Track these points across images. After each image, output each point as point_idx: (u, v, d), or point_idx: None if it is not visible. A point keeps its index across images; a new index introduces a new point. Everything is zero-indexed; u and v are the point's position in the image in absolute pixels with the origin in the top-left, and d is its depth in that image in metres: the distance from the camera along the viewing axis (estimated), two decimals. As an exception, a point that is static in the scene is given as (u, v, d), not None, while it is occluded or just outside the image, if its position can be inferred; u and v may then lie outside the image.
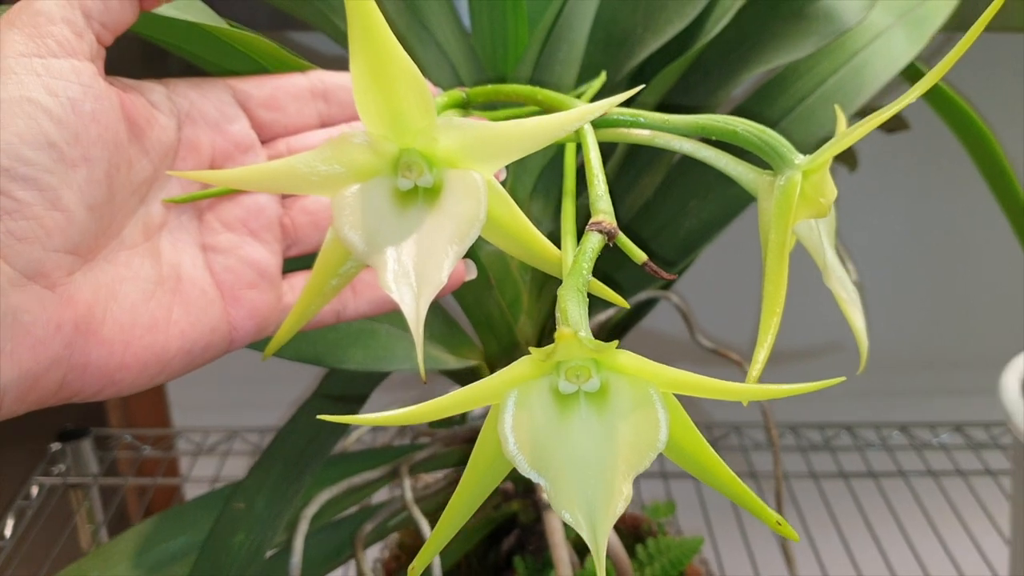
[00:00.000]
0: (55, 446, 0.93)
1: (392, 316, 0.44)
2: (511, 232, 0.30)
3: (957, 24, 0.57)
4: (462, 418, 0.49)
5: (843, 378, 0.25)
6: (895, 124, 0.78)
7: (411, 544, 0.64)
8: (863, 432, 1.01)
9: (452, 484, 0.55)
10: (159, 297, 0.31)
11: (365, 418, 0.24)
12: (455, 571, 0.59)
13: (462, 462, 0.57)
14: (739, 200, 0.53)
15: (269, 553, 0.46)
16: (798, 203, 0.30)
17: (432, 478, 0.59)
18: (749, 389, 0.25)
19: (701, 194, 0.53)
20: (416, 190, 0.29)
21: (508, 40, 0.48)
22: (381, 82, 0.27)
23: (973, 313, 1.07)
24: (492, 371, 0.53)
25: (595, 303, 0.55)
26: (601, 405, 0.26)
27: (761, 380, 0.67)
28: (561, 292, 0.26)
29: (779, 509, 0.63)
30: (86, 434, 0.94)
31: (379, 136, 0.28)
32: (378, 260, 0.28)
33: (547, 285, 0.52)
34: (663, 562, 0.58)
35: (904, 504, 0.91)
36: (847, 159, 0.78)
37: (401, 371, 0.45)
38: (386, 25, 0.26)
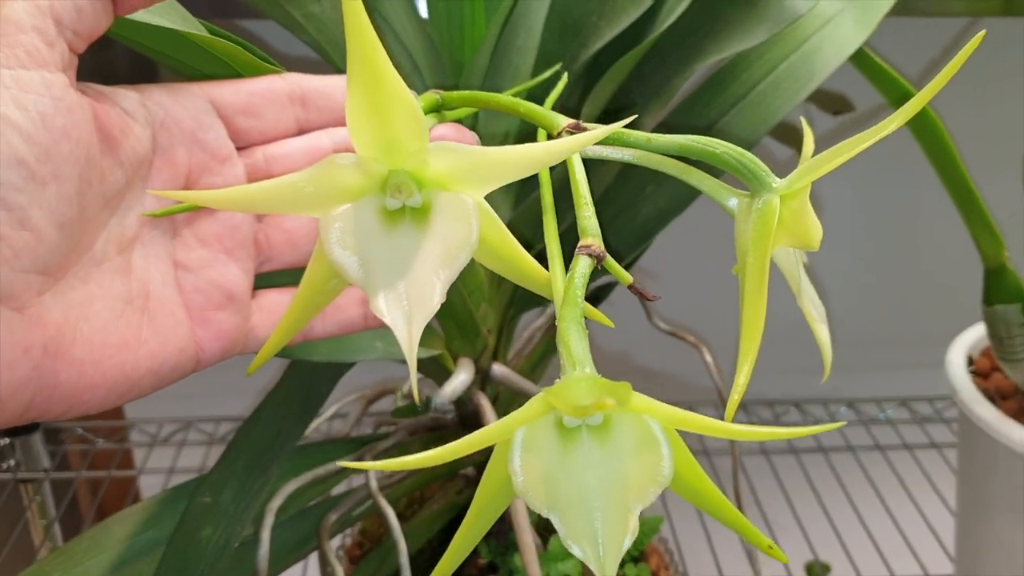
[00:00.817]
0: (3, 440, 0.91)
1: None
2: (500, 253, 0.30)
3: (901, 9, 0.58)
4: (425, 407, 0.49)
5: (842, 422, 0.26)
6: (841, 106, 0.79)
7: (374, 531, 0.64)
8: (811, 408, 1.04)
9: (415, 472, 0.55)
10: (128, 316, 0.31)
11: (381, 464, 0.24)
12: (418, 556, 0.59)
13: (425, 450, 0.57)
14: (695, 187, 0.53)
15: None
16: (777, 229, 0.30)
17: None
18: (750, 431, 0.25)
19: (658, 180, 0.54)
20: (404, 209, 0.28)
21: (464, 27, 0.48)
22: (377, 110, 0.26)
23: (917, 291, 1.09)
24: (454, 359, 0.53)
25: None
26: (604, 438, 0.26)
27: (721, 357, 0.68)
28: (561, 326, 0.26)
29: (736, 484, 0.65)
30: (36, 428, 0.92)
31: (369, 158, 0.28)
32: (368, 283, 0.27)
33: (507, 272, 0.53)
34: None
35: (853, 477, 0.93)
36: (795, 142, 0.79)
37: (365, 360, 0.45)
38: (385, 55, 0.26)
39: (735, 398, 0.29)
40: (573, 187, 0.30)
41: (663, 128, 0.54)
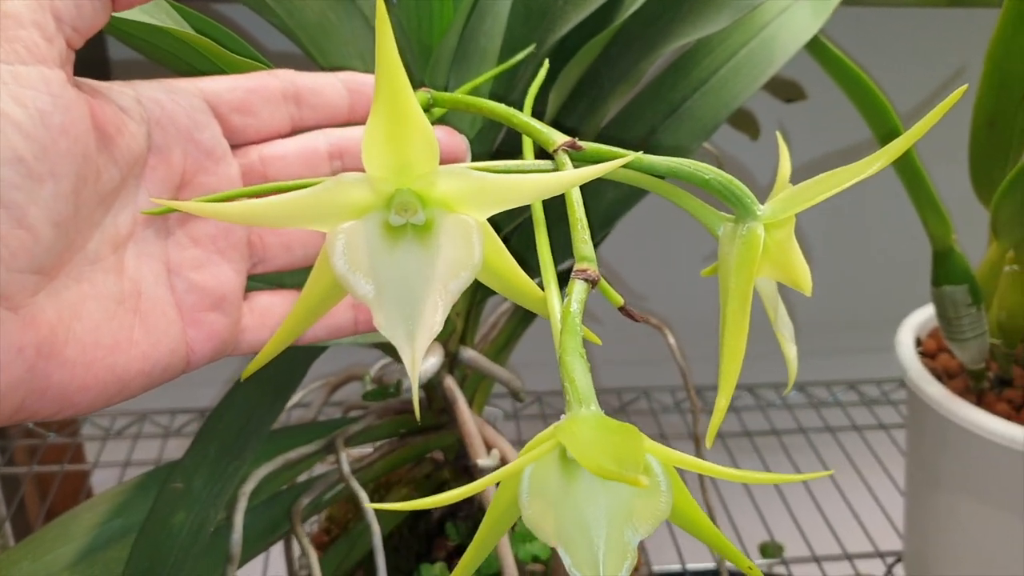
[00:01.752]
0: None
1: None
2: (499, 273, 0.31)
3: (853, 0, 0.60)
4: (396, 390, 0.49)
5: (830, 471, 0.27)
6: (793, 94, 0.81)
7: (340, 517, 0.64)
8: (764, 392, 1.06)
9: (386, 455, 0.55)
10: (121, 317, 0.30)
11: (416, 503, 0.25)
12: (387, 541, 0.60)
13: (395, 433, 0.57)
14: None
15: (204, 532, 0.45)
16: (761, 258, 0.31)
17: (359, 452, 0.59)
18: (747, 475, 0.26)
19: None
20: (406, 225, 0.29)
21: (433, 12, 0.49)
22: (396, 137, 0.27)
23: (864, 276, 1.12)
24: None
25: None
26: None
27: (691, 349, 0.69)
28: (564, 359, 0.27)
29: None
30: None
31: (378, 178, 0.28)
32: (372, 299, 0.27)
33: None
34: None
35: (805, 458, 0.96)
36: (749, 128, 0.81)
37: (339, 345, 0.45)
38: (410, 88, 0.26)
39: (716, 421, 0.30)
40: (569, 209, 0.30)
41: (628, 111, 0.55)
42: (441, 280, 0.28)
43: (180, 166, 0.32)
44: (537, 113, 0.37)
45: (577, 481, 0.26)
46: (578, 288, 0.28)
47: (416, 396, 0.26)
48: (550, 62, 0.53)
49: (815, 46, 0.60)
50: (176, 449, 0.94)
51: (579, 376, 0.26)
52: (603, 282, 0.30)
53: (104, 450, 0.95)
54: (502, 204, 0.28)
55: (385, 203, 0.29)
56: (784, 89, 0.78)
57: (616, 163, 0.29)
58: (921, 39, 0.95)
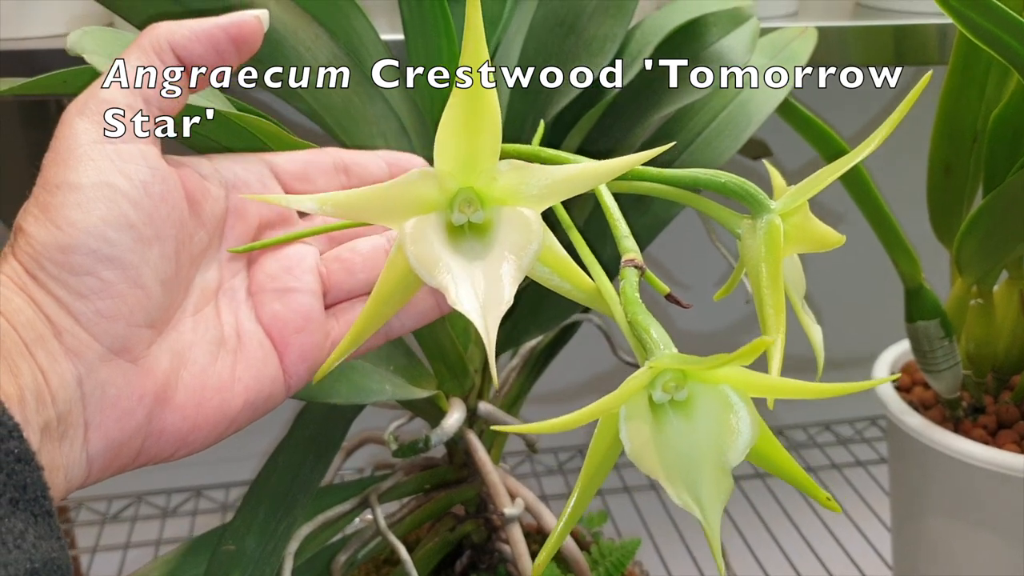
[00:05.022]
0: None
1: (367, 353, 0.47)
2: (552, 265, 0.34)
3: (811, 62, 0.65)
4: (425, 445, 0.52)
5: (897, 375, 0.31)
6: (761, 151, 0.86)
7: (364, 577, 0.66)
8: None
9: (413, 511, 0.57)
10: (223, 357, 0.34)
11: (534, 426, 0.28)
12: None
13: (420, 489, 0.60)
14: (665, 216, 0.58)
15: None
16: (785, 242, 0.35)
17: (386, 510, 0.61)
18: (819, 387, 0.29)
19: (634, 210, 0.58)
20: (464, 227, 0.32)
21: (445, 93, 0.52)
22: (470, 127, 0.30)
23: (833, 320, 1.17)
24: (446, 398, 0.56)
25: (527, 331, 0.59)
26: (688, 410, 0.30)
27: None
28: (638, 320, 0.31)
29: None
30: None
31: (445, 173, 0.31)
32: (446, 285, 0.30)
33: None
34: (606, 565, 0.63)
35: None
36: (763, 151, 0.86)
37: (376, 403, 0.48)
38: (491, 71, 0.29)
39: (775, 366, 0.34)
40: (605, 211, 0.34)
41: (626, 174, 0.59)
42: (506, 262, 0.31)
43: (256, 224, 0.36)
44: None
45: (666, 423, 0.30)
46: (630, 273, 0.33)
47: (493, 367, 0.29)
48: (551, 133, 0.57)
49: (785, 107, 0.65)
50: (175, 528, 0.94)
51: (654, 329, 0.30)
52: (648, 272, 0.34)
53: (103, 534, 0.95)
54: (557, 195, 0.32)
55: (448, 203, 0.32)
56: (752, 148, 0.83)
57: (650, 153, 0.32)
58: (873, 95, 1.01)
